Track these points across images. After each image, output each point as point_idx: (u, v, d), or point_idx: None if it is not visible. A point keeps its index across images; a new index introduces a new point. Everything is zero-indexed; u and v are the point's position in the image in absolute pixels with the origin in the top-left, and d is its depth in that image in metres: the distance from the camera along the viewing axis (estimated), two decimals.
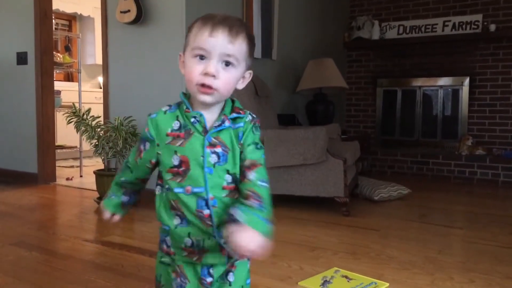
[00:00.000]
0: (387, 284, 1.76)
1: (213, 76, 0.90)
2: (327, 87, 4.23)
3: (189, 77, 0.92)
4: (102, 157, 3.11)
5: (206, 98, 0.92)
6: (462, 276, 1.87)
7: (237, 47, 0.91)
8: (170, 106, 0.98)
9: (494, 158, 4.40)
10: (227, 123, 0.94)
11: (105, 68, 3.53)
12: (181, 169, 0.93)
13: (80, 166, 4.46)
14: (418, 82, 5.13)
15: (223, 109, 0.97)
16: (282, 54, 4.23)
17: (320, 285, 1.74)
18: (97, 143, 3.05)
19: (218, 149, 0.93)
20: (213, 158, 0.93)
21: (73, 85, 5.69)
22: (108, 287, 1.72)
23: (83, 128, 3.04)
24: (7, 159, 4.16)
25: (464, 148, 4.59)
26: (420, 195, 3.63)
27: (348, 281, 1.79)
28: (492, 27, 4.61)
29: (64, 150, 4.94)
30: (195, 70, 0.90)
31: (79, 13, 6.21)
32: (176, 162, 0.94)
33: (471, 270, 1.93)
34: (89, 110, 3.11)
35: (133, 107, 3.35)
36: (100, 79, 6.42)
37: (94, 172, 3.12)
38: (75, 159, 5.35)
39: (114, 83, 3.50)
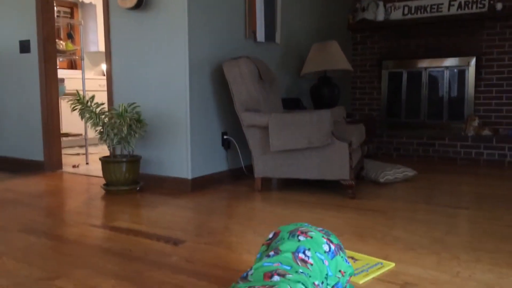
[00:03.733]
0: (393, 264, 1.76)
1: None
2: (331, 70, 4.20)
3: None
4: (108, 144, 3.13)
5: None
6: (468, 255, 1.87)
7: None
8: None
9: (500, 138, 4.38)
10: None
11: (108, 55, 3.52)
12: None
13: (86, 154, 4.48)
14: (424, 63, 5.08)
15: None
16: (285, 37, 4.20)
17: None
18: (102, 130, 3.07)
19: None
20: None
21: (76, 73, 5.69)
22: (116, 271, 1.74)
23: (87, 115, 3.05)
24: (13, 148, 4.19)
25: (470, 129, 4.56)
26: (426, 176, 3.62)
27: (354, 261, 1.79)
28: (499, 6, 4.53)
29: (69, 138, 4.97)
30: None
31: (80, 0, 6.18)
32: None
33: (477, 249, 1.94)
34: (93, 97, 3.11)
35: (137, 94, 3.35)
36: (104, 66, 6.41)
37: (100, 159, 3.14)
38: (81, 147, 5.38)
39: (117, 70, 3.50)
